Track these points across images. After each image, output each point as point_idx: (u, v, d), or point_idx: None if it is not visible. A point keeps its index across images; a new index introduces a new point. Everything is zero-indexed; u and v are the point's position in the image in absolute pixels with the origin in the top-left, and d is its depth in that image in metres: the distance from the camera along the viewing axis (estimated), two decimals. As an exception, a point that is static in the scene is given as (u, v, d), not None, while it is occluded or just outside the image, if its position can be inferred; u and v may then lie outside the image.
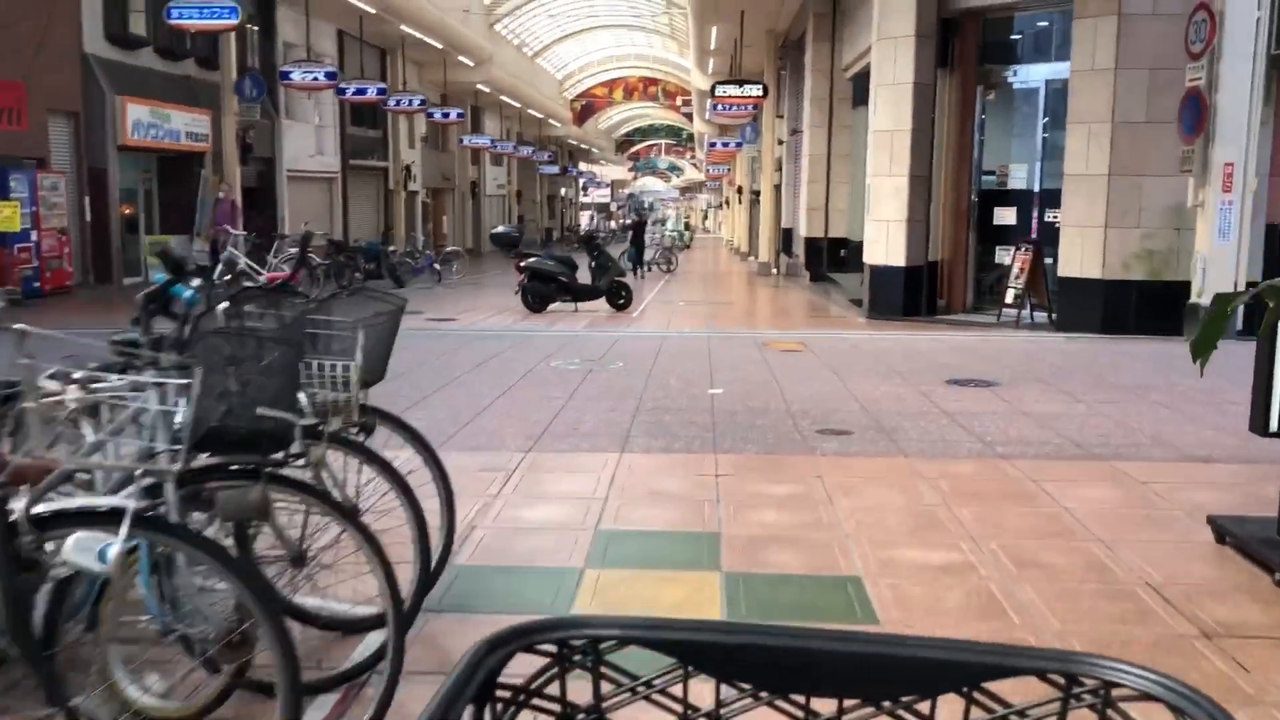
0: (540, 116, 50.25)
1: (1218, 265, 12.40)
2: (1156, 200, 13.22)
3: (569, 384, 8.82)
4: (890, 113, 15.50)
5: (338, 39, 30.49)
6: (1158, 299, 13.29)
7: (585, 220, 73.23)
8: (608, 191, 79.84)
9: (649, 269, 31.41)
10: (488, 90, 40.46)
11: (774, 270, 30.53)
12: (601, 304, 17.10)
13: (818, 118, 24.29)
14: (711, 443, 6.62)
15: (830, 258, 24.38)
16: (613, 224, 78.15)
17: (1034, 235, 14.92)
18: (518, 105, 45.63)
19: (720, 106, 29.57)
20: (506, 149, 44.79)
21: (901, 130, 15.38)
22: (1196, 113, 12.31)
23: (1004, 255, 15.47)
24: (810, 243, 24.65)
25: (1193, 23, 12.34)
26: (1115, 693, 0.80)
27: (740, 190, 44.02)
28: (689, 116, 55.65)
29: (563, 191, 63.01)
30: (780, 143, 30.16)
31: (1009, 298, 14.80)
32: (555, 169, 54.69)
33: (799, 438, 6.81)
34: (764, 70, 30.53)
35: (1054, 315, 14.50)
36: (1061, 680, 0.80)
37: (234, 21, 19.30)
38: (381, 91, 28.36)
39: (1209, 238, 12.44)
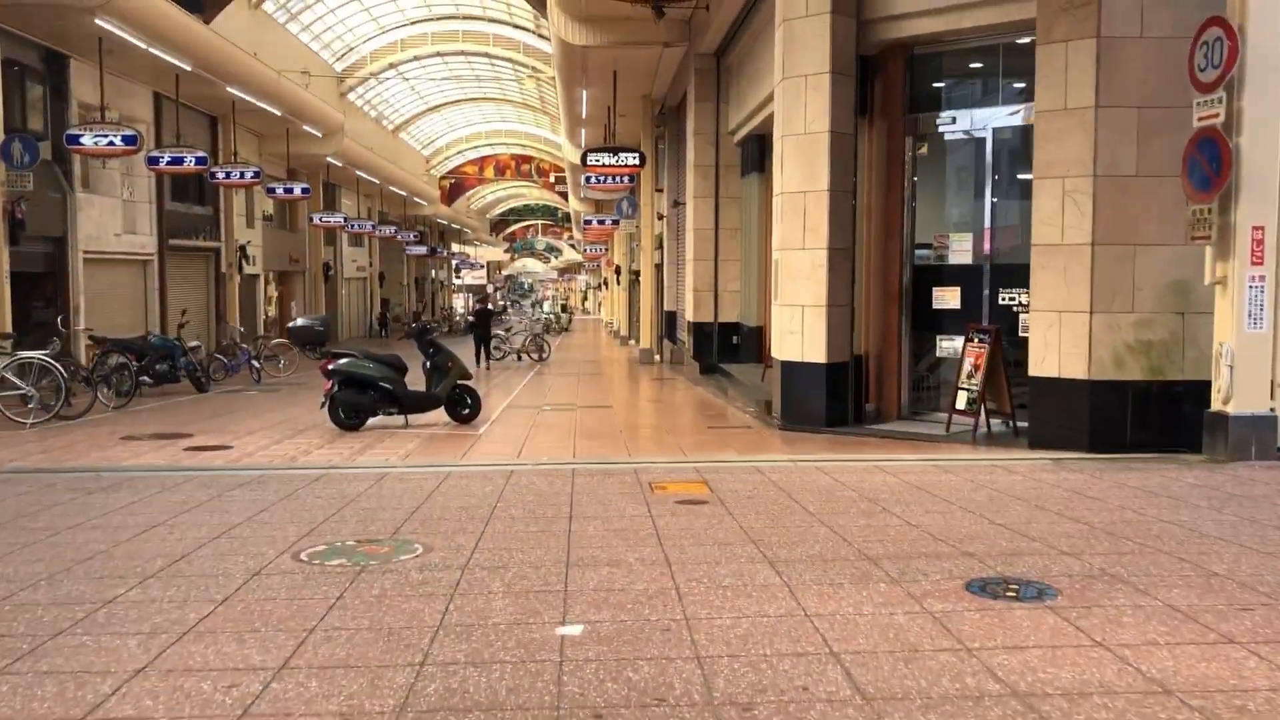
0: (404, 194, 46.26)
1: (1249, 360, 9.11)
2: (1155, 276, 9.94)
3: (302, 620, 4.79)
4: (801, 169, 12.05)
5: (154, 103, 26.13)
6: (1160, 405, 9.96)
7: (459, 303, 69.14)
8: (483, 273, 75.93)
9: (519, 358, 27.64)
10: (340, 165, 36.36)
11: (656, 358, 26.97)
12: (439, 415, 13.09)
13: (702, 187, 20.93)
14: None
15: (721, 346, 20.86)
16: (489, 306, 74.38)
17: (984, 321, 11.55)
18: (377, 182, 41.60)
19: (594, 179, 26.17)
20: (365, 228, 40.60)
21: (816, 191, 11.92)
22: (1213, 161, 9.09)
23: (948, 346, 12.07)
24: (698, 328, 21.12)
25: (1201, 45, 9.17)
26: None
27: (618, 270, 40.64)
28: (564, 195, 52.40)
29: (433, 273, 58.87)
30: (660, 218, 26.80)
31: (960, 402, 11.33)
32: (423, 249, 50.60)
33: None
34: (640, 141, 27.26)
35: (1015, 423, 11.08)
36: None
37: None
38: (201, 161, 23.95)
39: (1234, 324, 9.15)
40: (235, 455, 10.38)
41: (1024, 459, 9.59)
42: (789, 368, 12.18)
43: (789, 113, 12.20)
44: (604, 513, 7.11)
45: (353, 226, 39.86)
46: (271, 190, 31.95)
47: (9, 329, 16.58)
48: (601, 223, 36.15)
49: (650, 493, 7.88)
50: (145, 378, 17.22)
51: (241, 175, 27.01)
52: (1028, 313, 11.17)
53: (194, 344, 18.83)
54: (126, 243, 24.71)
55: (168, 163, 23.55)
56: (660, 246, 27.61)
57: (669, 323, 26.92)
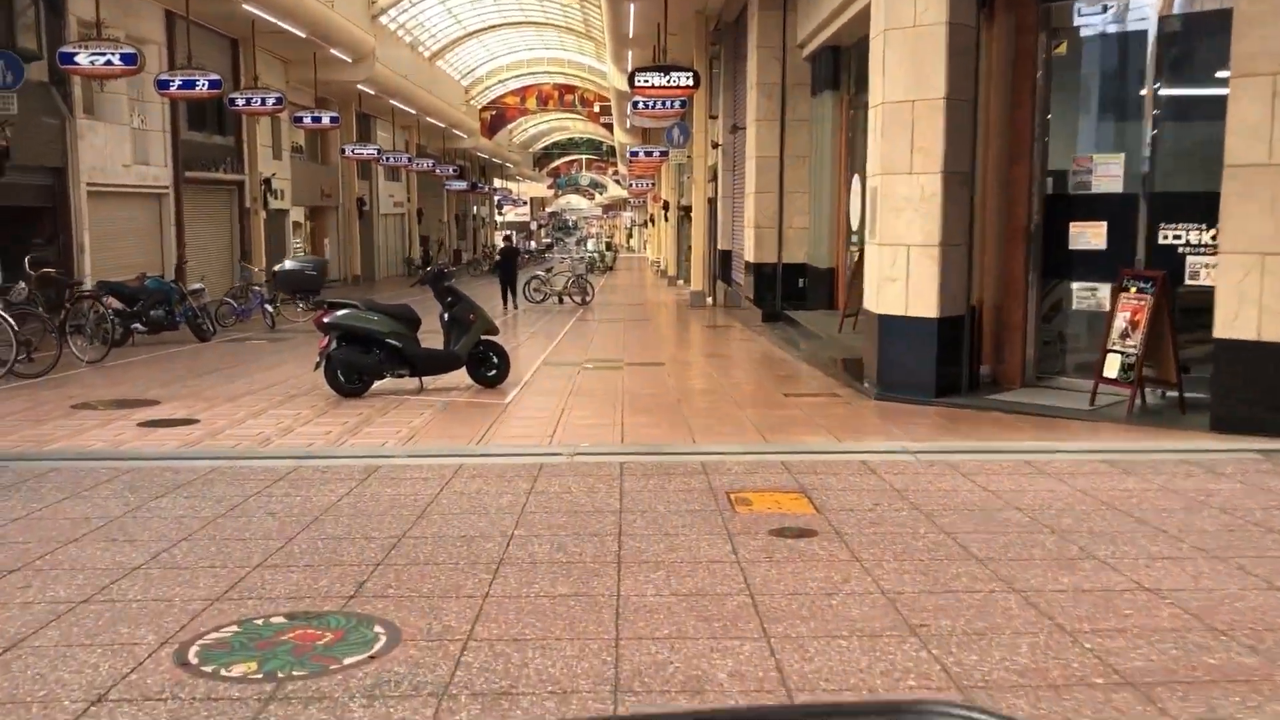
0: (443, 126, 43.75)
1: None
2: (1400, 207, 7.35)
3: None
4: (909, 72, 9.44)
5: (165, 22, 23.78)
6: (1399, 379, 7.42)
7: (500, 240, 66.80)
8: (526, 209, 73.43)
9: (560, 300, 25.32)
10: (373, 93, 33.90)
11: (709, 301, 24.49)
12: (460, 377, 10.81)
13: (766, 109, 18.25)
14: None
15: (785, 290, 18.33)
16: (533, 244, 71.68)
17: (1138, 265, 8.98)
18: (414, 113, 39.11)
19: (642, 102, 23.48)
20: (400, 161, 38.21)
21: (929, 99, 9.32)
22: None
23: (1088, 297, 9.53)
24: (758, 270, 18.60)
25: None
26: None
27: (666, 206, 38.00)
28: (609, 128, 49.59)
29: (475, 210, 56.49)
30: (715, 146, 24.13)
31: (1111, 369, 8.81)
32: (463, 185, 48.14)
33: None
34: (693, 61, 24.48)
35: (1182, 394, 8.57)
36: None
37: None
38: (215, 85, 21.55)
39: None
40: (196, 434, 8.15)
41: (1219, 450, 7.10)
42: (888, 324, 9.70)
43: (893, 1, 9.57)
44: (668, 554, 4.78)
45: (388, 160, 37.49)
46: (299, 119, 29.63)
47: (28, 268, 14.48)
48: (649, 154, 33.43)
49: (730, 511, 5.53)
50: (138, 325, 15.08)
51: (263, 102, 24.67)
52: (1202, 254, 8.61)
53: (195, 286, 16.64)
54: (137, 174, 22.53)
55: (179, 86, 21.22)
56: (714, 179, 24.98)
57: (723, 263, 24.39)
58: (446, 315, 10.55)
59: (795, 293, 18.25)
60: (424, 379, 10.64)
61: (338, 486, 6.26)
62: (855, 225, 16.19)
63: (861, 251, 13.68)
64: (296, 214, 33.89)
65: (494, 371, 10.73)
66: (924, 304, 9.44)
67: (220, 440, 7.92)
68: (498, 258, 29.25)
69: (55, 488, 6.26)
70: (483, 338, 10.61)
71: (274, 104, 24.74)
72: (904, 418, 8.70)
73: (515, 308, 24.48)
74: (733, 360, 13.37)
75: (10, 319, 10.41)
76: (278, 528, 5.34)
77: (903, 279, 9.55)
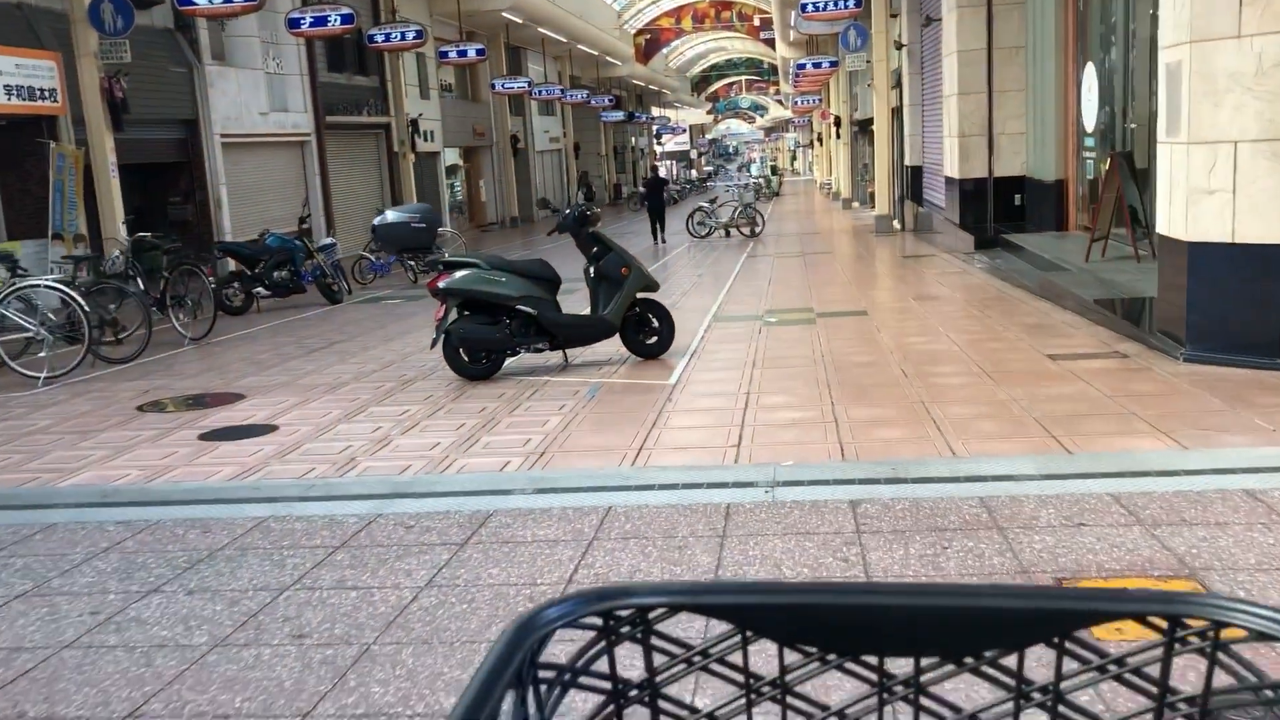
0: (596, 54, 41.28)
1: None
2: None
3: None
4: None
5: (295, -44, 22.07)
6: None
7: (663, 172, 64.28)
8: (686, 137, 70.50)
9: (727, 233, 22.78)
10: (521, 22, 31.69)
11: (896, 225, 21.43)
12: (614, 345, 8.47)
13: (970, -8, 15.01)
14: None
15: (999, 209, 15.23)
16: (694, 173, 68.76)
17: None
18: (565, 41, 36.77)
19: (811, 3, 20.46)
20: (553, 93, 36.02)
21: (1274, -77, 6.28)
22: None
23: None
24: (964, 187, 15.52)
25: None
26: (1225, 634, 0.67)
27: (837, 122, 34.60)
28: (770, 43, 46.03)
29: (633, 141, 54.04)
30: (899, 47, 20.83)
31: None
32: (620, 115, 45.68)
33: None
34: (869, -49, 21.16)
35: None
36: (1164, 623, 0.67)
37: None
38: (348, 19, 19.68)
39: None
40: (266, 451, 6.09)
41: None
42: (1204, 255, 6.77)
43: None
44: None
45: (540, 92, 35.36)
46: (444, 55, 27.74)
47: (124, 234, 13.00)
48: (817, 66, 30.16)
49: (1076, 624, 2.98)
50: (261, 289, 13.38)
51: (403, 36, 22.86)
52: None
53: (326, 242, 14.82)
54: (275, 122, 21.04)
55: (310, 24, 19.48)
56: (897, 85, 21.70)
57: (913, 181, 21.22)
58: (593, 270, 8.19)
59: (1011, 212, 15.14)
60: (568, 352, 8.35)
61: (422, 560, 4.03)
62: (1090, 127, 12.96)
63: (1115, 158, 10.58)
64: (451, 156, 32.30)
65: (655, 339, 8.34)
66: (1263, 226, 6.48)
67: (291, 462, 5.81)
68: (643, 189, 27.10)
69: (24, 568, 4.25)
70: (639, 296, 8.22)
71: (414, 38, 22.85)
72: (1253, 394, 5.86)
73: (664, 241, 22.39)
74: (954, 303, 10.56)
75: (79, 298, 8.63)
76: (298, 670, 3.12)
77: (1227, 191, 6.60)
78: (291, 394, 7.75)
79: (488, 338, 7.72)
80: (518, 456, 5.60)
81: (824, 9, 20.21)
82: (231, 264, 14.75)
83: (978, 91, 15.02)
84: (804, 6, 20.30)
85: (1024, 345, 7.94)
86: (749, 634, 0.72)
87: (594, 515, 4.46)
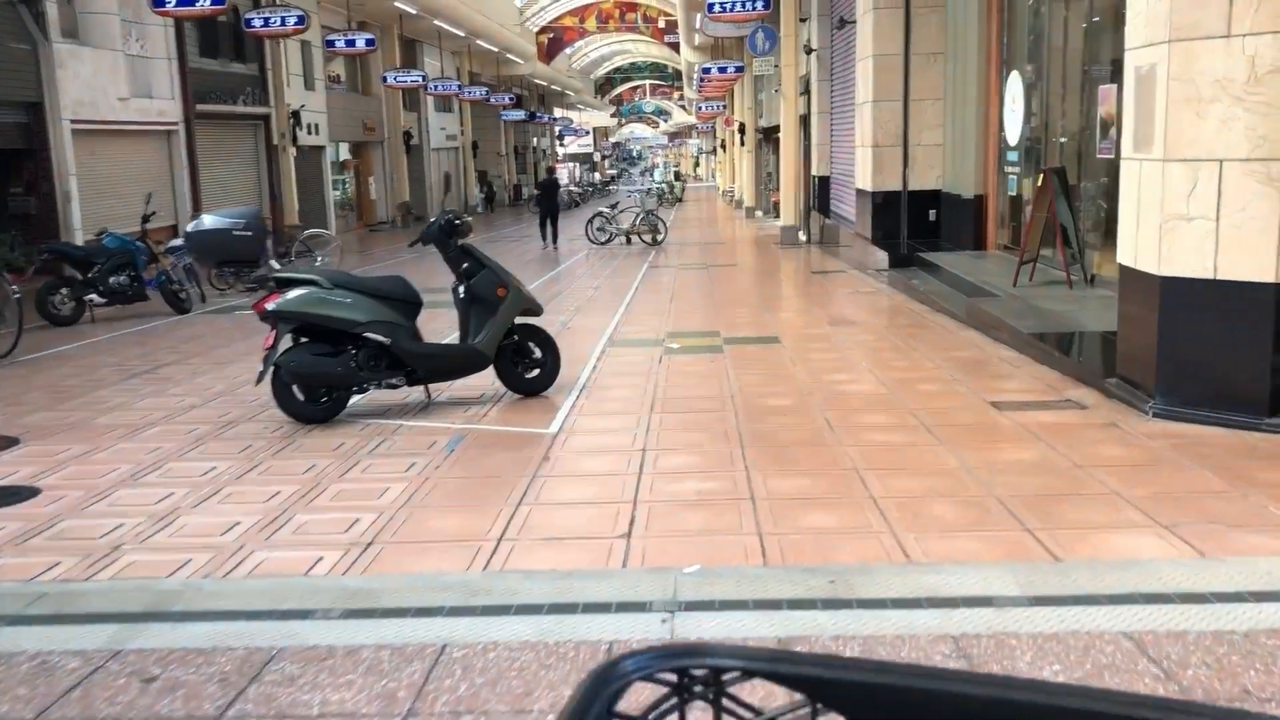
0: (496, 51, 39.64)
1: None
2: None
3: None
4: None
5: (165, -71, 20.04)
6: None
7: (564, 174, 62.76)
8: (589, 139, 69.16)
9: (628, 240, 21.55)
10: (414, 12, 29.93)
11: (802, 237, 20.46)
12: (487, 379, 7.09)
13: (886, -7, 14.03)
14: None
15: (914, 224, 14.28)
16: (597, 176, 67.36)
17: None
18: (463, 35, 35.07)
19: (718, 4, 19.36)
20: (449, 89, 34.28)
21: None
22: None
23: None
24: (876, 200, 14.53)
25: None
26: None
27: (741, 129, 33.69)
28: (675, 47, 45.01)
29: (535, 141, 52.46)
30: (809, 52, 19.86)
31: None
32: (521, 115, 44.09)
33: None
34: (779, -49, 20.16)
35: None
36: None
37: None
38: (218, 2, 17.88)
39: None
40: (4, 529, 4.55)
41: None
42: (1180, 292, 5.71)
43: None
44: None
45: (435, 87, 33.55)
46: (331, 44, 25.87)
47: None
48: (723, 70, 29.12)
49: None
50: (94, 295, 11.60)
51: (283, 21, 20.99)
52: None
53: (174, 243, 13.02)
54: (137, 109, 19.02)
55: (176, 3, 17.60)
56: (806, 91, 20.73)
57: (820, 192, 20.26)
58: (463, 289, 6.80)
59: (925, 228, 14.20)
60: (432, 387, 6.95)
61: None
62: (1014, 140, 12.05)
63: (1048, 174, 9.62)
64: (340, 151, 30.37)
65: (537, 372, 6.99)
66: (1252, 261, 5.45)
67: (31, 551, 4.30)
68: (537, 191, 25.88)
69: None
70: (519, 321, 6.86)
71: (296, 24, 20.99)
72: (1251, 466, 4.79)
73: (557, 247, 21.13)
74: (874, 330, 9.44)
75: None
76: None
77: (1209, 219, 5.55)
78: (79, 439, 6.17)
79: (327, 371, 6.26)
80: (335, 549, 4.18)
81: (731, 9, 19.12)
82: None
83: (893, 99, 14.04)
84: (711, 6, 19.17)
85: (962, 388, 6.82)
86: (819, 706, 0.72)
87: (418, 663, 3.10)
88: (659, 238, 21.29)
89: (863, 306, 11.06)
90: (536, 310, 7.01)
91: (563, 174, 65.33)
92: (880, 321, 9.93)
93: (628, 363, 8.22)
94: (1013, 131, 12.03)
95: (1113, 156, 9.41)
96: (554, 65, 48.11)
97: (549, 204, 21.92)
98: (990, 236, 12.85)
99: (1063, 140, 10.79)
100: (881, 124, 14.17)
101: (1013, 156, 12.15)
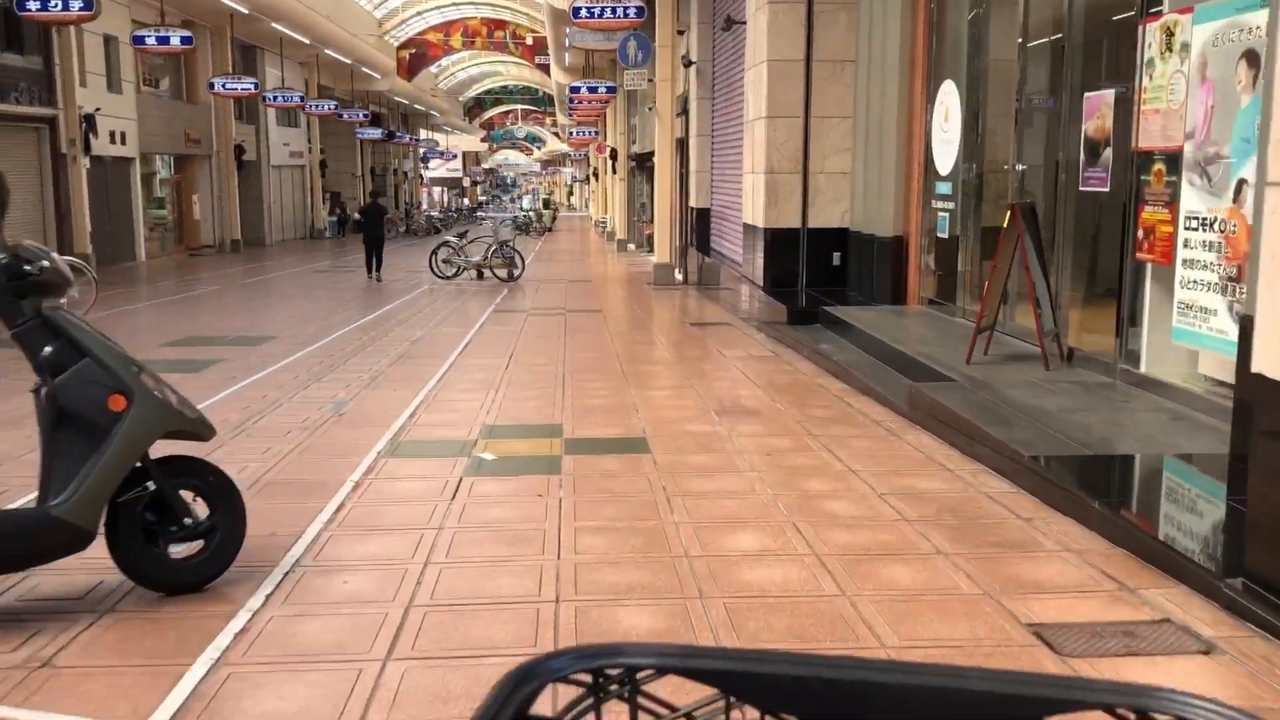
0: (350, 63, 35.88)
1: None
2: None
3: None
4: None
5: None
6: None
7: (425, 200, 59.03)
8: (458, 163, 65.50)
9: (480, 275, 18.39)
10: (246, 12, 26.08)
11: (678, 277, 17.61)
12: (92, 560, 3.76)
13: (783, -12, 11.25)
14: None
15: (814, 270, 11.50)
16: (466, 201, 63.69)
17: None
18: (310, 44, 31.27)
19: (585, 9, 16.50)
20: (292, 100, 30.40)
21: None
22: None
23: None
24: (771, 239, 11.66)
25: None
26: None
27: (613, 155, 30.84)
28: (546, 69, 42.01)
29: (396, 164, 48.60)
30: (687, 65, 17.04)
31: None
32: (378, 133, 40.30)
33: None
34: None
35: None
36: (1132, 716, 0.68)
37: None
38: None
39: None
40: None
41: None
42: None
43: None
44: None
45: (276, 98, 29.65)
46: (140, 40, 21.89)
47: None
48: (593, 90, 26.21)
49: None
50: None
51: (65, 5, 17.23)
52: None
53: None
54: None
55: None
56: (684, 112, 17.91)
57: (698, 227, 17.40)
58: (46, 392, 3.49)
59: (827, 274, 11.43)
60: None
61: None
62: (946, 168, 9.36)
63: (1015, 212, 6.87)
64: (156, 165, 26.23)
65: (195, 547, 3.72)
66: None
67: None
68: (358, 217, 22.62)
69: None
70: (164, 452, 3.59)
71: (81, 9, 17.22)
72: None
73: (379, 278, 18.41)
74: (784, 429, 6.44)
75: None
76: None
77: None
78: None
79: None
80: None
81: (600, 15, 16.22)
82: None
83: (791, 115, 11.23)
84: (577, 11, 16.22)
85: (960, 577, 3.83)
86: (732, 700, 0.72)
87: None
88: (515, 273, 18.10)
89: (760, 382, 8.08)
90: (201, 432, 3.74)
91: (431, 197, 61.54)
92: (788, 411, 6.95)
93: (399, 496, 5.00)
94: (944, 157, 9.33)
95: (1105, 189, 6.70)
96: (417, 83, 44.52)
97: (372, 232, 18.77)
98: (912, 287, 10.11)
99: (1020, 168, 8.08)
100: (776, 145, 11.33)
101: (943, 189, 9.44)
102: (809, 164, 11.24)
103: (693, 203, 17.61)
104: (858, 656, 0.71)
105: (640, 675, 0.72)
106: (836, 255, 11.39)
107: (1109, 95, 6.65)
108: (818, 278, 11.37)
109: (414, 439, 6.18)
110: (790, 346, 9.69)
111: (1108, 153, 6.65)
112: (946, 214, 9.39)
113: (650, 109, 19.62)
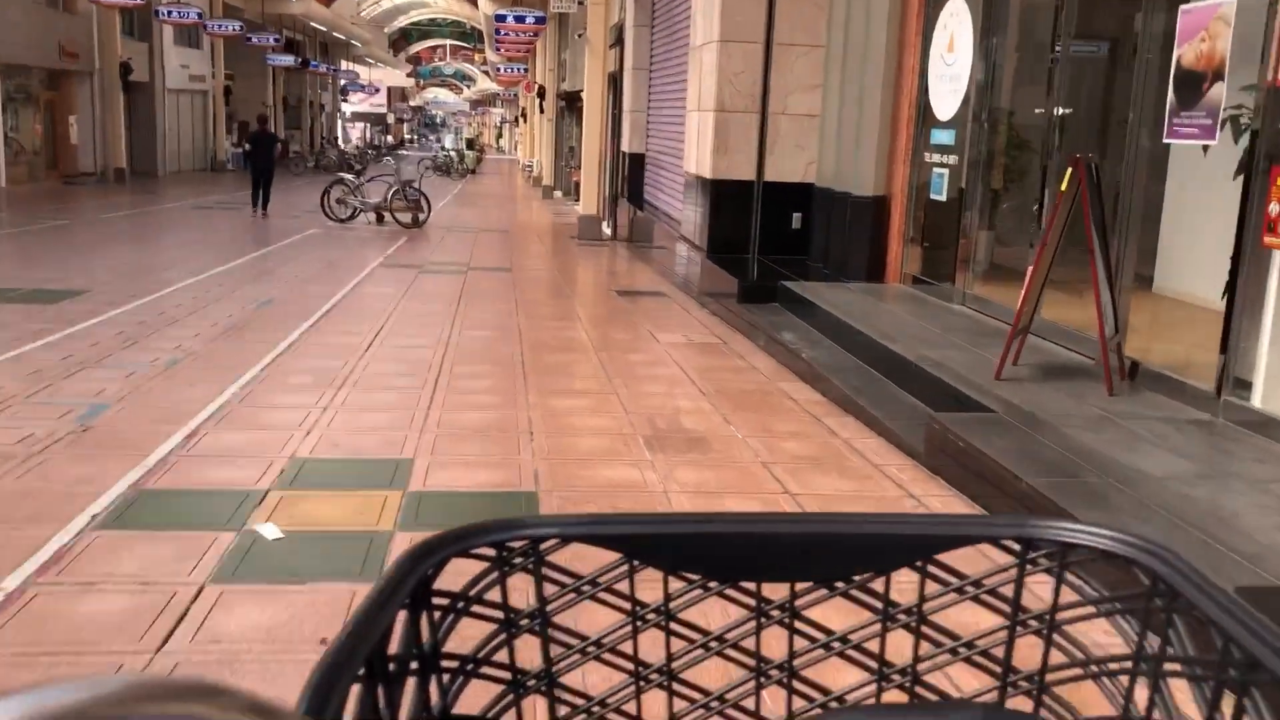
0: (258, -20, 32.49)
1: None
2: None
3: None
4: None
5: None
6: None
7: (355, 134, 55.47)
8: (383, 100, 61.82)
9: (379, 219, 15.96)
10: (131, -91, 22.79)
11: (606, 232, 15.36)
12: None
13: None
14: None
15: (768, 235, 9.34)
16: (389, 139, 60.05)
17: None
18: (210, -47, 27.92)
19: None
20: (189, 17, 27.09)
21: None
22: None
23: None
24: (718, 192, 9.45)
25: None
26: (1071, 555, 0.72)
27: (541, 94, 28.25)
28: (475, 3, 38.86)
29: (313, 95, 45.06)
30: (624, -13, 14.63)
31: None
32: (291, 60, 36.87)
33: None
34: None
35: None
36: (1017, 546, 0.72)
37: None
38: None
39: None
40: None
41: None
42: None
43: None
44: None
45: (170, 14, 26.36)
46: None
47: None
48: (520, 20, 23.50)
49: None
50: None
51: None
52: None
53: None
54: None
55: None
56: (619, 42, 15.51)
57: (631, 175, 15.09)
58: None
59: (785, 240, 9.29)
60: None
61: None
62: (949, 112, 7.25)
63: (1080, 166, 4.76)
64: (23, 80, 22.97)
65: None
66: None
67: None
68: (246, 145, 19.79)
69: None
70: None
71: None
72: None
73: (265, 214, 16.52)
74: (750, 478, 4.32)
75: None
76: None
77: None
78: None
79: None
80: None
81: (526, -77, 13.70)
82: None
83: (749, 39, 8.98)
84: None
85: None
86: (636, 563, 0.71)
87: None
88: (420, 218, 15.66)
89: (705, 386, 5.93)
90: None
91: (353, 133, 57.80)
92: (746, 441, 4.81)
93: (65, 638, 2.75)
94: (946, 97, 7.20)
95: (1210, 141, 4.64)
96: (336, 9, 41.06)
97: (261, 162, 16.30)
98: (893, 261, 8.02)
99: (1064, 113, 5.99)
100: (729, 77, 9.08)
101: (943, 138, 7.34)
102: (768, 102, 9.02)
103: (625, 147, 15.27)
104: (753, 513, 0.71)
105: (544, 546, 0.71)
106: (797, 216, 9.24)
107: (1225, 7, 4.56)
108: (772, 243, 9.22)
109: (168, 487, 3.90)
110: (742, 332, 7.55)
111: (1217, 89, 4.57)
112: (945, 171, 7.29)
113: (580, 36, 17.16)
